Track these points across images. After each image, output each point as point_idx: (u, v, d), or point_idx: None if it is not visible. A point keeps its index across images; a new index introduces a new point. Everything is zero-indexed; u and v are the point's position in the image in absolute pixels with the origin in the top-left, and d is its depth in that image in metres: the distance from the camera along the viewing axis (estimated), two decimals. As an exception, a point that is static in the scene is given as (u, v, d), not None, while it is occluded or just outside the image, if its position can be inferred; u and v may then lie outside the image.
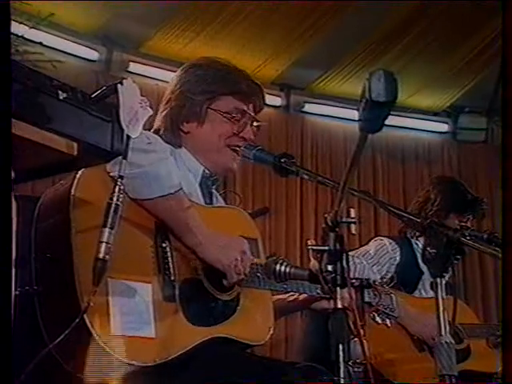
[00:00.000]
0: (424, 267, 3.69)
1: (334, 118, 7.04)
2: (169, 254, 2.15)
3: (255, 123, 2.52)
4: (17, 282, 1.85)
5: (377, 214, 6.75)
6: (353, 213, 1.82)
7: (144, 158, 2.04)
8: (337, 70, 6.63)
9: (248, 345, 2.31)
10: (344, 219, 1.79)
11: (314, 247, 1.84)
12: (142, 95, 1.88)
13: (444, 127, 7.45)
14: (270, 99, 6.60)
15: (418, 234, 3.77)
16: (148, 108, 1.89)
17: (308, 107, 7.02)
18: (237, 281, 2.26)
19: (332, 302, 1.77)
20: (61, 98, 1.69)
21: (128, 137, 1.80)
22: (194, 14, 5.77)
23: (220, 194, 2.64)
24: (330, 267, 1.79)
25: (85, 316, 1.84)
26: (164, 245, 2.15)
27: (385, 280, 2.94)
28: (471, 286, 6.93)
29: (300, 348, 3.79)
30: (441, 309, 1.92)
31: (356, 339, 1.93)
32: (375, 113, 1.49)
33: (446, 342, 1.90)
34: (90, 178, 2.03)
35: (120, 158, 1.79)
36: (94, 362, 1.90)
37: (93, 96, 1.80)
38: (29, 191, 2.41)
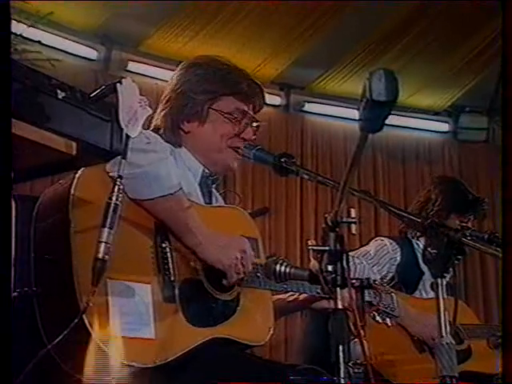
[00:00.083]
0: (424, 267, 3.68)
1: (334, 117, 7.03)
2: (168, 254, 2.14)
3: (255, 123, 2.51)
4: (15, 283, 1.84)
5: (377, 214, 6.75)
6: (353, 213, 1.81)
7: (143, 158, 2.03)
8: (337, 69, 6.63)
9: (248, 345, 2.30)
10: (344, 219, 1.78)
11: (314, 247, 1.82)
12: (141, 94, 1.88)
13: (445, 127, 7.44)
14: (270, 98, 6.59)
15: (418, 234, 3.76)
16: (147, 107, 1.89)
17: (308, 106, 7.01)
18: (236, 280, 2.25)
19: (332, 301, 1.76)
20: (60, 97, 1.69)
21: (127, 136, 1.80)
22: (194, 12, 5.77)
23: (220, 194, 2.63)
24: (330, 267, 1.77)
25: (84, 317, 1.83)
26: (164, 245, 2.14)
27: (385, 280, 2.93)
28: (472, 286, 6.92)
29: (300, 349, 3.78)
30: (441, 309, 1.92)
31: (356, 340, 1.93)
32: (376, 112, 1.49)
33: (447, 343, 1.90)
34: (89, 178, 2.02)
35: (119, 157, 1.78)
36: (93, 363, 1.89)
37: (92, 95, 1.80)
38: (27, 191, 2.40)
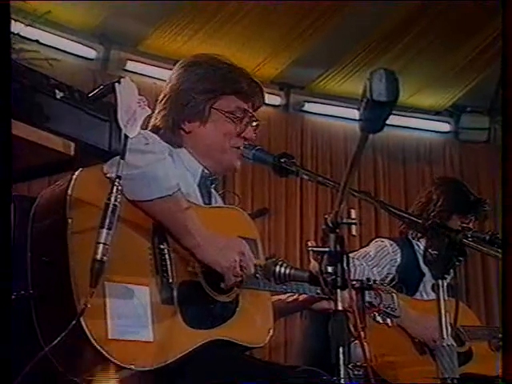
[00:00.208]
0: (425, 269, 3.68)
1: (334, 117, 7.03)
2: (167, 255, 2.13)
3: (255, 122, 2.50)
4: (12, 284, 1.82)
5: (378, 214, 6.74)
6: (353, 214, 1.81)
7: (141, 158, 2.02)
8: (337, 68, 6.62)
9: (247, 347, 2.29)
10: (344, 220, 1.77)
11: (314, 248, 1.82)
12: (140, 94, 1.87)
13: (446, 127, 7.44)
14: (270, 98, 6.59)
15: (419, 235, 3.74)
16: (146, 107, 1.88)
17: (308, 106, 7.01)
18: (234, 283, 2.24)
19: (332, 302, 1.75)
20: (58, 97, 1.68)
21: (126, 136, 1.79)
22: (193, 12, 5.76)
23: (219, 194, 2.62)
24: (330, 269, 1.77)
25: (81, 319, 1.81)
26: (162, 246, 2.13)
27: (386, 282, 2.92)
28: (473, 287, 6.91)
29: (300, 351, 3.78)
30: (442, 311, 1.91)
31: (356, 342, 1.92)
32: (376, 113, 1.48)
33: (448, 345, 1.90)
34: (86, 179, 2.01)
35: (117, 158, 1.78)
36: (91, 366, 1.88)
37: (90, 95, 1.79)
38: (25, 191, 2.39)
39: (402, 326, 3.34)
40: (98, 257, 1.74)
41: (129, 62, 6.14)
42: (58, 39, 5.65)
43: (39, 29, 4.79)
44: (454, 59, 6.47)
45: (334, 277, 1.75)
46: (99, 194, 1.86)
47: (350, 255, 1.85)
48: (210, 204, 2.49)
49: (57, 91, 1.67)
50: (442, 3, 5.84)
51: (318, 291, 2.47)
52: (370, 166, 7.02)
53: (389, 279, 2.95)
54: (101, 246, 1.75)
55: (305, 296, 2.57)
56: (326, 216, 1.77)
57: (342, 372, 1.67)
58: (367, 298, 2.67)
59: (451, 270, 1.93)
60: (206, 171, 2.48)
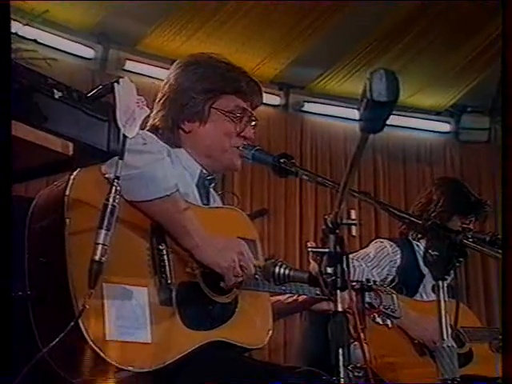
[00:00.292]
0: (425, 270, 3.67)
1: (334, 117, 7.03)
2: (165, 256, 2.12)
3: (253, 122, 2.49)
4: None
5: (377, 215, 6.73)
6: (353, 214, 1.82)
7: (139, 159, 2.01)
8: (337, 68, 6.62)
9: (246, 348, 2.28)
10: (344, 221, 1.77)
11: (314, 249, 1.81)
12: (138, 94, 1.86)
13: (446, 127, 7.43)
14: (269, 98, 6.59)
15: (419, 236, 3.73)
16: (145, 107, 1.88)
17: (307, 106, 7.00)
18: (234, 283, 2.23)
19: (331, 303, 1.75)
20: (56, 97, 1.67)
21: (125, 137, 1.78)
22: (192, 11, 5.75)
23: (218, 194, 2.61)
24: (329, 270, 1.76)
25: (79, 320, 1.80)
26: (160, 247, 2.12)
27: (385, 283, 2.92)
28: (474, 288, 6.91)
29: (299, 352, 3.77)
30: (443, 312, 1.90)
31: (356, 343, 1.91)
32: (376, 113, 1.47)
33: (448, 346, 1.89)
34: (84, 179, 2.00)
35: (115, 158, 1.77)
36: (89, 367, 1.87)
37: (89, 95, 1.78)
38: (22, 192, 2.38)
39: (401, 327, 3.33)
40: (97, 257, 1.74)
41: (127, 61, 6.13)
42: (56, 39, 5.64)
43: (37, 28, 4.77)
44: (454, 59, 6.46)
45: (333, 278, 1.74)
46: (97, 195, 1.86)
47: (350, 256, 1.84)
48: (208, 204, 2.48)
49: (55, 91, 1.66)
50: (442, 3, 5.83)
51: (318, 292, 2.46)
52: (369, 166, 7.02)
53: (389, 280, 2.95)
54: (99, 246, 1.74)
55: (304, 297, 2.56)
56: (326, 217, 1.76)
57: (341, 373, 1.66)
58: (367, 299, 2.66)
59: (451, 271, 1.92)
60: (204, 171, 2.47)
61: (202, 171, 2.47)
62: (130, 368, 1.91)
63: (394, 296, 2.90)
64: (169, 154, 2.33)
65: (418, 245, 3.77)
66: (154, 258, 2.09)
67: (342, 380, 1.65)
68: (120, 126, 1.76)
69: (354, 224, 1.79)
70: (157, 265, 2.09)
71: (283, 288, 2.39)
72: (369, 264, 3.60)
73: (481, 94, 6.84)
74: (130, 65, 6.13)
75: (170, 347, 2.02)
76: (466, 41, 6.25)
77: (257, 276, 2.29)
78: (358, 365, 1.81)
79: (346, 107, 6.80)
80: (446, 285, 1.91)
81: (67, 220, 1.94)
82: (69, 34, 5.73)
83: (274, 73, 6.57)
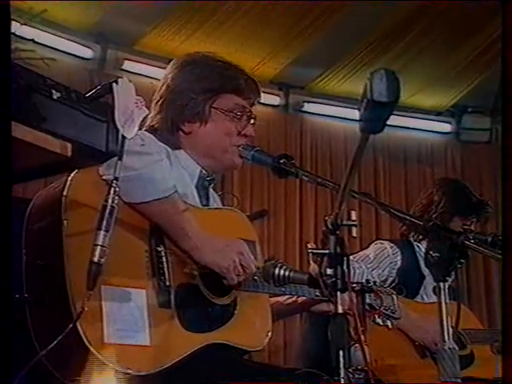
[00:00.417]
0: (426, 271, 3.65)
1: (334, 117, 7.02)
2: (164, 258, 2.10)
3: (253, 120, 2.48)
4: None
5: (378, 216, 6.72)
6: (354, 215, 1.81)
7: (137, 160, 2.01)
8: (337, 68, 6.60)
9: (246, 350, 2.27)
10: (345, 222, 1.76)
11: (314, 250, 1.81)
12: (137, 94, 1.86)
13: (447, 127, 7.42)
14: (269, 98, 6.59)
15: (420, 237, 3.72)
16: (144, 108, 1.88)
17: (307, 107, 6.99)
18: (238, 282, 2.22)
19: (331, 304, 1.74)
20: (54, 97, 1.68)
21: (123, 137, 1.78)
22: (191, 11, 5.73)
23: (218, 195, 2.60)
24: (330, 271, 1.76)
25: (77, 323, 1.79)
26: (159, 249, 2.11)
27: (386, 284, 2.91)
28: (475, 290, 6.89)
29: (299, 354, 3.76)
30: (444, 314, 1.90)
31: (357, 345, 1.91)
32: (377, 113, 1.47)
33: (449, 348, 1.88)
34: (82, 180, 1.99)
35: (114, 159, 1.77)
36: (87, 370, 1.85)
37: (87, 95, 1.79)
38: (20, 193, 2.37)
39: (402, 329, 3.33)
40: (96, 259, 1.73)
41: (126, 61, 6.11)
42: (54, 38, 5.62)
43: (35, 28, 4.77)
44: (455, 59, 6.45)
45: (333, 279, 1.74)
46: (95, 196, 1.86)
47: (350, 258, 1.84)
48: (207, 205, 2.47)
49: (53, 91, 1.67)
50: (442, 3, 5.83)
51: (318, 293, 2.45)
52: (370, 166, 7.01)
53: (389, 282, 2.95)
54: (98, 248, 1.74)
55: (304, 298, 2.55)
56: (326, 218, 1.76)
57: (342, 375, 1.65)
58: (367, 300, 2.66)
59: (452, 273, 1.92)
60: (204, 172, 2.46)
61: (201, 172, 2.45)
62: (128, 371, 1.90)
63: (394, 297, 2.89)
64: (168, 154, 2.32)
65: (418, 246, 3.75)
66: (152, 260, 2.08)
67: (342, 380, 1.64)
68: (119, 126, 1.76)
69: (355, 225, 1.79)
70: (155, 267, 2.08)
71: (283, 289, 2.38)
72: (369, 266, 3.59)
73: (482, 94, 6.83)
74: (128, 65, 6.11)
75: (169, 350, 2.01)
76: (467, 40, 6.24)
77: (256, 277, 2.28)
78: (359, 367, 1.81)
79: (346, 107, 6.79)
80: (447, 286, 1.91)
81: (65, 221, 1.94)
82: (67, 34, 5.71)
83: (273, 73, 6.56)
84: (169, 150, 2.36)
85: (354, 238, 1.80)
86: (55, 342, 1.70)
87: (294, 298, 2.58)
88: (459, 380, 1.86)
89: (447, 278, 1.91)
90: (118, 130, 1.77)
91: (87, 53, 5.97)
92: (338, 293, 1.72)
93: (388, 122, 1.47)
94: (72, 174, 1.98)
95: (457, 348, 1.90)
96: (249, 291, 2.30)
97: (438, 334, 1.90)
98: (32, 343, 1.87)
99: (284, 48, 6.22)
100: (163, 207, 2.08)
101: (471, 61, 6.42)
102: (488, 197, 4.41)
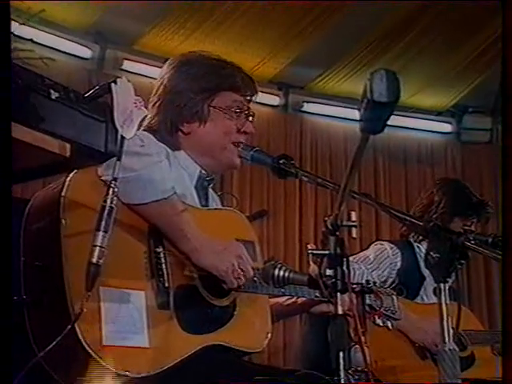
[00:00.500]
0: (426, 272, 3.64)
1: (334, 117, 7.01)
2: (162, 259, 2.10)
3: (251, 116, 2.48)
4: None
5: (378, 217, 6.71)
6: (353, 216, 1.81)
7: (137, 161, 2.00)
8: (337, 68, 6.60)
9: (245, 352, 2.27)
10: (344, 223, 1.76)
11: (314, 251, 1.81)
12: (136, 94, 1.85)
13: (447, 127, 7.41)
14: (268, 98, 6.58)
15: (420, 237, 3.71)
16: (143, 108, 1.87)
17: (307, 107, 6.99)
18: (237, 285, 2.21)
19: (331, 305, 1.74)
20: (53, 97, 1.67)
21: (122, 137, 1.77)
22: (190, 10, 5.73)
23: (217, 195, 2.60)
24: (330, 272, 1.76)
25: (75, 325, 1.78)
26: (158, 250, 2.10)
27: (386, 285, 2.90)
28: (476, 291, 6.88)
29: (299, 355, 3.75)
30: (444, 315, 1.88)
31: (357, 346, 1.90)
32: (377, 113, 1.47)
33: (450, 349, 1.87)
34: (81, 181, 1.99)
35: (113, 160, 1.76)
36: (85, 372, 1.85)
37: (86, 95, 1.78)
38: (19, 193, 2.36)
39: (402, 331, 3.32)
40: (94, 260, 1.72)
41: (125, 61, 6.11)
42: (53, 38, 5.61)
43: (33, 27, 4.75)
44: (455, 58, 6.44)
45: (333, 280, 1.74)
46: (94, 196, 1.85)
47: (350, 259, 1.83)
48: (207, 205, 2.46)
49: (52, 91, 1.65)
50: (442, 3, 5.82)
51: (317, 294, 2.44)
52: (370, 167, 7.00)
53: (389, 283, 2.94)
54: (97, 248, 1.73)
55: (303, 299, 2.55)
56: (326, 218, 1.76)
57: (342, 377, 1.66)
58: (367, 301, 2.65)
59: (453, 273, 1.90)
60: (203, 172, 2.45)
61: (201, 172, 2.45)
62: (127, 373, 1.89)
63: (394, 297, 2.88)
64: (167, 155, 2.31)
65: (418, 247, 3.74)
66: (151, 261, 2.07)
67: (342, 383, 1.64)
68: (118, 126, 1.76)
69: (355, 226, 1.79)
70: (154, 268, 2.07)
71: (282, 290, 2.37)
72: (368, 267, 3.58)
73: (483, 94, 6.82)
74: (127, 64, 6.11)
75: (168, 352, 2.00)
76: (467, 40, 6.23)
77: (255, 278, 2.27)
78: (359, 368, 1.80)
79: (346, 107, 6.78)
80: (447, 287, 1.89)
81: (63, 221, 1.93)
82: (66, 34, 5.71)
83: (273, 72, 6.55)
84: (168, 150, 2.36)
85: (354, 238, 1.80)
86: (53, 343, 1.69)
87: (293, 299, 2.57)
88: (459, 381, 1.85)
89: (447, 279, 1.89)
90: (116, 131, 1.76)
91: (86, 53, 5.96)
92: (338, 294, 1.73)
93: (388, 122, 1.47)
94: (71, 175, 1.97)
95: (457, 349, 1.88)
96: (248, 292, 2.29)
97: (438, 336, 1.88)
98: (30, 345, 1.86)
99: (284, 48, 6.22)
100: (162, 208, 2.07)
101: (471, 60, 6.41)
102: (488, 197, 4.38)
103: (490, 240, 2.98)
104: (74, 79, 5.21)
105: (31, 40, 4.06)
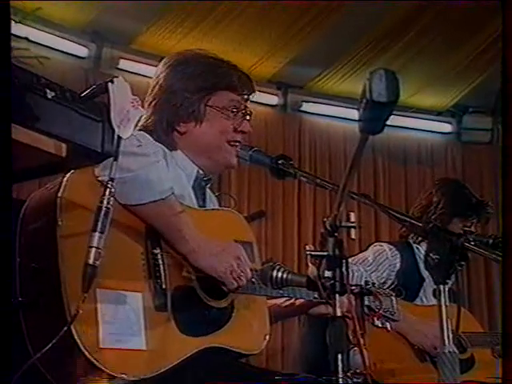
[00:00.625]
0: (426, 273, 3.63)
1: (333, 117, 7.00)
2: (160, 260, 2.08)
3: (248, 116, 2.47)
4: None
5: (377, 218, 6.70)
6: (353, 217, 1.81)
7: (134, 161, 1.98)
8: (336, 68, 6.59)
9: (243, 354, 2.26)
10: (343, 224, 1.76)
11: (313, 252, 1.80)
12: (133, 94, 1.84)
13: (448, 128, 7.40)
14: (267, 98, 6.57)
15: (419, 239, 3.70)
16: (140, 107, 1.87)
17: (306, 106, 6.97)
18: (237, 286, 2.20)
19: (330, 306, 1.73)
20: (49, 96, 1.66)
21: (119, 137, 1.76)
22: (188, 9, 5.71)
23: (215, 196, 2.59)
24: (328, 273, 1.75)
25: (72, 326, 1.77)
26: (155, 251, 2.09)
27: (385, 287, 2.90)
28: (476, 293, 6.88)
29: (297, 358, 3.75)
30: (444, 317, 1.88)
31: (355, 348, 1.89)
32: (376, 113, 1.47)
33: (449, 352, 1.86)
34: (78, 181, 1.98)
35: (110, 160, 1.75)
36: (81, 375, 1.84)
37: (82, 95, 1.77)
38: (14, 194, 2.35)
39: (401, 333, 3.31)
40: (91, 261, 1.72)
41: (122, 60, 6.08)
42: (49, 37, 5.58)
43: (29, 26, 4.73)
44: (455, 58, 6.43)
45: (332, 281, 1.73)
46: (91, 197, 1.84)
47: (348, 260, 1.82)
48: (204, 206, 2.45)
49: (48, 91, 1.65)
50: (442, 2, 5.81)
51: (316, 296, 2.43)
52: (370, 167, 6.99)
53: (388, 284, 2.93)
54: (93, 250, 1.72)
55: (301, 300, 2.54)
56: (325, 219, 1.76)
57: (340, 379, 1.65)
58: (366, 303, 2.64)
59: (453, 275, 1.90)
60: (201, 172, 2.44)
61: (198, 172, 2.44)
62: (124, 376, 1.87)
63: (393, 298, 2.88)
64: (164, 155, 2.31)
65: (418, 248, 3.73)
66: (148, 262, 2.06)
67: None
68: (114, 126, 1.75)
69: (354, 227, 1.78)
70: (151, 269, 2.06)
71: (281, 292, 2.36)
72: (367, 268, 3.57)
73: (483, 93, 6.80)
74: (124, 63, 6.08)
75: (165, 354, 1.99)
76: (468, 39, 6.22)
77: (253, 280, 2.26)
78: (358, 371, 1.79)
79: (346, 107, 6.77)
80: (447, 289, 1.89)
81: (60, 222, 1.92)
82: (62, 32, 5.68)
83: (271, 72, 6.54)
84: (165, 150, 2.35)
85: (353, 239, 1.79)
86: (49, 345, 1.69)
87: (291, 301, 2.56)
88: (459, 384, 1.84)
89: (447, 281, 1.89)
90: (113, 130, 1.75)
91: (82, 51, 5.93)
92: (337, 295, 1.72)
93: (388, 122, 1.47)
94: (67, 175, 1.96)
95: (457, 351, 1.88)
96: (246, 294, 2.28)
97: (437, 339, 1.88)
98: (26, 347, 1.85)
99: (282, 47, 6.20)
100: (160, 209, 2.06)
101: (472, 60, 6.40)
102: (489, 198, 4.37)
103: (491, 241, 2.97)
104: (70, 78, 5.20)
105: (27, 38, 4.06)
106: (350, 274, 1.77)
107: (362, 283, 2.58)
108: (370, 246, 3.79)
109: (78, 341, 1.81)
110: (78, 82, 5.31)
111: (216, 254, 2.16)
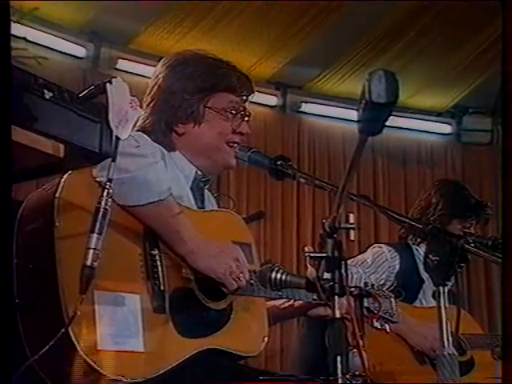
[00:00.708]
0: (425, 275, 3.63)
1: (333, 118, 7.00)
2: (158, 262, 2.08)
3: (247, 117, 2.46)
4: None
5: (377, 219, 6.69)
6: (352, 218, 1.81)
7: (132, 162, 1.98)
8: (335, 68, 6.59)
9: (242, 356, 2.25)
10: (343, 225, 1.76)
11: (312, 254, 1.80)
12: (131, 94, 1.84)
13: (447, 128, 7.39)
14: (266, 98, 6.57)
15: (419, 240, 3.70)
16: (138, 108, 1.88)
17: (305, 107, 6.97)
18: (236, 288, 2.19)
19: (329, 308, 1.74)
20: (47, 97, 1.67)
21: (117, 138, 1.76)
22: (186, 9, 5.70)
23: (214, 197, 2.58)
24: (327, 275, 1.75)
25: (69, 329, 1.76)
26: (153, 252, 2.08)
27: (384, 289, 2.89)
28: (475, 294, 6.87)
29: (296, 359, 3.75)
30: (443, 319, 1.88)
31: (355, 350, 1.89)
32: (375, 114, 1.47)
33: (449, 354, 1.86)
34: (75, 182, 1.97)
35: (108, 161, 1.75)
36: (79, 377, 1.83)
37: (80, 95, 1.77)
38: (12, 195, 2.35)
39: (400, 335, 3.31)
40: (88, 262, 1.71)
41: (120, 60, 6.07)
42: (47, 37, 5.57)
43: (27, 26, 4.72)
44: (455, 59, 6.43)
45: (331, 283, 1.73)
46: (89, 198, 1.84)
47: (347, 262, 1.82)
48: (203, 207, 2.45)
49: (45, 91, 1.65)
50: (442, 2, 5.81)
51: (315, 297, 2.42)
52: (369, 168, 6.98)
53: (387, 286, 2.93)
54: (91, 251, 1.72)
55: (300, 302, 2.53)
56: (324, 221, 1.75)
57: (339, 382, 1.64)
58: (365, 304, 2.64)
59: (452, 277, 1.89)
60: (199, 173, 2.44)
61: (196, 173, 2.43)
62: (122, 378, 1.87)
63: (392, 300, 2.87)
64: (162, 156, 2.30)
65: (417, 249, 3.73)
66: (146, 264, 2.05)
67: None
68: (112, 127, 1.76)
69: (353, 228, 1.78)
70: (149, 270, 2.05)
71: (280, 293, 2.35)
72: (366, 270, 3.57)
73: (483, 94, 6.80)
74: (122, 64, 6.07)
75: (164, 356, 1.98)
76: (468, 40, 6.22)
77: (252, 281, 2.26)
78: (357, 372, 1.79)
79: (345, 108, 6.76)
80: (446, 291, 1.88)
81: (57, 223, 1.91)
82: (60, 32, 5.67)
83: (270, 72, 6.54)
84: (164, 151, 2.34)
85: (352, 241, 1.79)
86: (46, 347, 1.68)
87: (290, 302, 2.56)
88: (459, 386, 1.84)
89: (447, 283, 1.88)
90: (111, 131, 1.75)
91: (80, 51, 5.92)
92: (336, 297, 1.72)
93: (387, 123, 1.47)
94: (65, 176, 1.95)
95: (456, 353, 1.88)
96: (245, 295, 2.27)
97: (437, 341, 1.88)
98: (24, 349, 1.84)
99: (281, 47, 6.20)
100: (158, 210, 2.05)
101: (472, 61, 6.40)
102: (489, 199, 4.36)
103: (490, 243, 2.97)
104: (68, 78, 5.19)
105: (24, 38, 4.06)
106: (349, 276, 1.77)
107: (361, 285, 2.58)
108: (369, 247, 3.79)
109: (76, 343, 1.80)
110: (76, 82, 5.30)
111: (215, 255, 2.15)
